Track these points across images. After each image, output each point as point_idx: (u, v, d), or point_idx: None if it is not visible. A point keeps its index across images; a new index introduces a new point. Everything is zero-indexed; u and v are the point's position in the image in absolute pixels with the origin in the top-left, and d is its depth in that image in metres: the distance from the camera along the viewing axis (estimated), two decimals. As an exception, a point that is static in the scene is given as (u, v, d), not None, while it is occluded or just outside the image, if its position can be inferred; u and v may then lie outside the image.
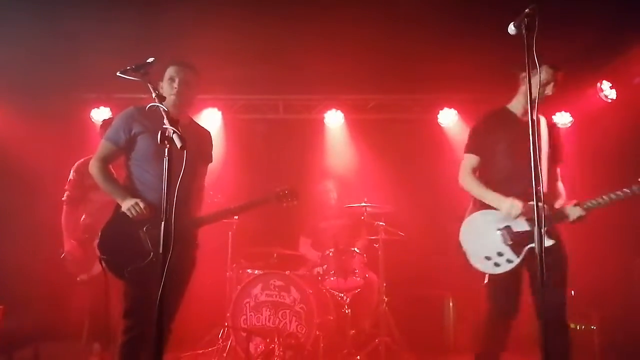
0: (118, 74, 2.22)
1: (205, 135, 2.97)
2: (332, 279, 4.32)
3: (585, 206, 2.75)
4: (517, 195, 2.75)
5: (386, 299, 4.38)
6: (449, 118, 5.56)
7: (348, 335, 4.19)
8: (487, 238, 2.83)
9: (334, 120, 5.67)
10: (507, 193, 2.78)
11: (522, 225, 2.78)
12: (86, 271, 3.70)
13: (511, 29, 2.19)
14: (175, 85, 2.71)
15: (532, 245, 2.67)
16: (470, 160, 2.99)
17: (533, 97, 2.72)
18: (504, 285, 2.83)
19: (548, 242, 2.67)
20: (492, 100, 5.39)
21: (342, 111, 5.67)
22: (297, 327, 4.05)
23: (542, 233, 2.09)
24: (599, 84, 5.01)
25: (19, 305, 4.06)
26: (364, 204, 4.48)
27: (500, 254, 2.80)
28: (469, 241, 2.91)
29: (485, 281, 2.87)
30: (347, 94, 5.64)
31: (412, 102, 5.70)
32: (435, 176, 5.34)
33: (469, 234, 2.92)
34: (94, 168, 2.71)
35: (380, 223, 4.51)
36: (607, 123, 4.79)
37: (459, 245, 2.91)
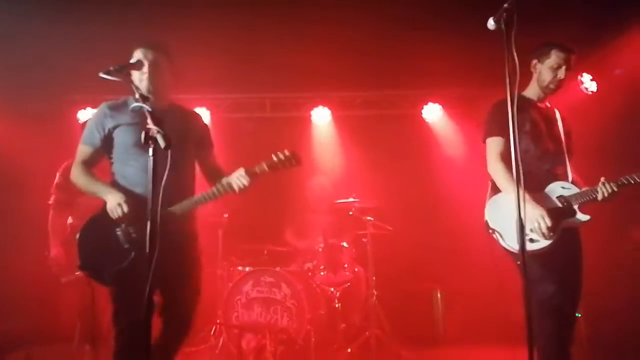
0: (101, 74, 2.20)
1: (192, 117, 2.77)
2: (322, 274, 4.36)
3: (619, 182, 2.67)
4: (546, 173, 2.74)
5: (376, 292, 4.43)
6: (433, 113, 5.62)
7: (339, 329, 4.24)
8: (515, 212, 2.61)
9: (321, 117, 5.70)
10: (536, 171, 2.73)
11: (552, 203, 2.70)
12: (72, 272, 3.67)
13: (490, 24, 2.22)
14: (145, 70, 2.50)
15: (574, 219, 2.68)
16: (495, 144, 2.77)
17: (546, 84, 2.78)
18: (555, 262, 2.61)
19: (584, 217, 2.70)
20: (476, 95, 5.52)
21: (329, 108, 5.70)
22: (289, 322, 4.09)
23: (523, 217, 2.12)
24: (579, 77, 5.09)
25: (9, 308, 4.05)
26: (352, 200, 4.53)
27: (533, 231, 2.61)
28: (498, 220, 2.71)
29: (518, 262, 2.55)
30: (334, 90, 5.67)
31: (398, 97, 5.75)
32: (422, 170, 5.41)
33: (498, 213, 2.73)
34: (74, 173, 2.59)
35: (369, 218, 4.55)
36: (588, 115, 4.86)
37: (487, 228, 2.74)
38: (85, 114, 5.27)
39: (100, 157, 2.63)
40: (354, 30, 4.40)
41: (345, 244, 4.49)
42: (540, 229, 2.56)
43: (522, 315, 2.31)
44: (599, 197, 2.65)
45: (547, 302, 2.61)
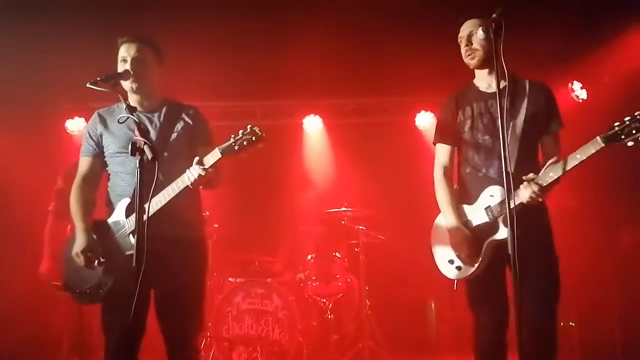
0: (88, 85, 2.17)
1: (188, 114, 2.55)
2: (314, 284, 4.32)
3: (539, 181, 2.20)
4: (482, 178, 2.43)
5: (368, 302, 4.39)
6: (425, 121, 5.62)
7: (331, 340, 4.20)
8: (447, 239, 2.48)
9: (313, 125, 5.68)
10: (474, 177, 2.48)
11: (481, 217, 2.41)
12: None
13: (480, 33, 2.22)
14: (128, 66, 2.39)
15: (492, 238, 2.34)
16: (438, 152, 2.62)
17: (467, 61, 2.36)
18: (483, 290, 2.45)
19: (503, 234, 2.30)
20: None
21: (320, 116, 5.68)
22: (280, 334, 4.03)
23: (514, 220, 1.92)
24: (570, 85, 5.13)
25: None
26: (344, 209, 4.50)
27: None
28: (434, 245, 2.60)
29: (454, 288, 2.51)
30: (325, 98, 5.65)
31: (389, 105, 5.74)
32: (415, 179, 5.38)
33: (435, 237, 2.61)
34: (72, 192, 2.49)
35: (361, 227, 4.52)
36: (579, 122, 4.89)
37: (430, 252, 2.62)
38: (73, 124, 5.21)
39: (99, 167, 2.54)
40: (344, 38, 4.40)
41: (337, 254, 4.45)
42: (459, 257, 2.40)
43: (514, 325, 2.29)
44: (523, 199, 2.22)
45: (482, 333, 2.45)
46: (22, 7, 3.71)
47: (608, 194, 4.59)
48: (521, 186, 2.22)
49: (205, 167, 2.22)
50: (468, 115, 2.51)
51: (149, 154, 1.98)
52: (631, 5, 3.88)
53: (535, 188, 2.19)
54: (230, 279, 4.37)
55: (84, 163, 2.55)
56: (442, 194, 2.57)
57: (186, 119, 2.53)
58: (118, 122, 2.44)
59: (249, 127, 2.23)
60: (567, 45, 4.45)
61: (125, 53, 2.43)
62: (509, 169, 2.01)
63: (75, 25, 3.93)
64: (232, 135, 2.24)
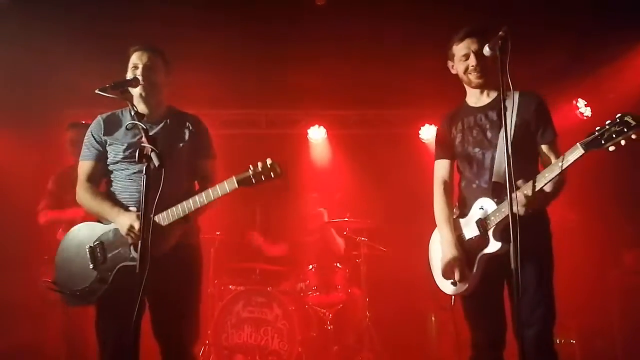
0: (97, 91, 2.19)
1: (191, 124, 2.56)
2: (314, 294, 4.30)
3: (525, 190, 2.15)
4: (475, 190, 2.41)
5: (369, 314, 4.36)
6: (429, 134, 5.64)
7: (331, 351, 4.17)
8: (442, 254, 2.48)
9: (317, 135, 5.70)
10: (468, 192, 2.49)
11: (472, 230, 2.38)
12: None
13: (486, 50, 2.23)
14: (139, 73, 2.43)
15: (483, 252, 2.31)
16: (437, 167, 2.64)
17: (466, 79, 2.38)
18: (478, 306, 2.41)
19: (494, 247, 2.28)
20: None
21: (325, 126, 5.71)
22: (279, 344, 4.01)
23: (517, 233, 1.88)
24: (574, 102, 5.15)
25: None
26: (347, 219, 4.50)
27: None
28: (432, 259, 2.59)
29: (452, 303, 2.49)
30: (330, 109, 5.68)
31: (393, 117, 5.77)
32: (417, 191, 5.37)
33: (432, 250, 2.60)
34: (78, 194, 2.48)
35: (363, 238, 4.52)
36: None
37: (428, 266, 2.60)
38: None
39: (102, 171, 2.52)
40: (350, 49, 4.43)
41: (338, 265, 4.44)
42: (452, 276, 2.38)
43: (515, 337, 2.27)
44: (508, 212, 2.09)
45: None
46: (26, 10, 3.73)
47: (614, 213, 4.59)
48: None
49: (220, 194, 2.29)
50: (459, 129, 2.55)
51: (155, 161, 1.99)
52: (637, 23, 3.90)
53: (521, 196, 2.14)
54: (230, 286, 4.36)
55: (86, 166, 2.51)
56: (439, 209, 2.58)
57: (190, 128, 2.55)
58: (126, 128, 2.46)
59: (268, 162, 2.26)
60: (572, 62, 4.48)
61: (137, 60, 2.47)
62: (512, 180, 1.99)
63: (81, 31, 3.95)
64: (251, 167, 2.26)
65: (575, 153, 2.07)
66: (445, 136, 2.63)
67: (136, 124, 2.14)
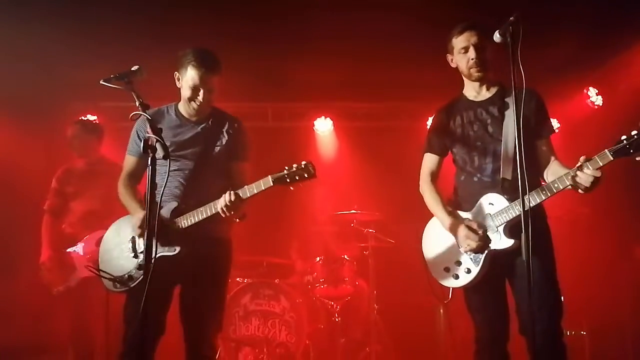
0: (101, 82, 2.20)
1: (230, 126, 2.65)
2: (322, 287, 4.29)
3: (543, 192, 2.20)
4: (478, 184, 2.42)
5: (377, 306, 4.35)
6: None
7: (338, 344, 4.17)
8: (445, 245, 2.47)
9: (324, 127, 5.66)
10: (469, 185, 2.48)
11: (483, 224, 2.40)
12: (62, 282, 3.61)
13: (496, 36, 2.19)
14: (200, 97, 2.52)
15: (493, 247, 2.32)
16: (425, 161, 2.67)
17: (467, 72, 2.39)
18: (481, 300, 2.41)
19: (507, 243, 2.29)
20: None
21: (331, 118, 5.67)
22: (287, 336, 4.01)
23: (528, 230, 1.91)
24: (585, 91, 5.09)
25: (1, 321, 3.97)
26: (354, 211, 4.47)
27: (458, 263, 2.41)
28: (428, 251, 2.57)
29: (449, 298, 2.50)
30: (336, 101, 5.64)
31: (400, 109, 5.72)
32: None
33: (428, 242, 2.58)
34: (119, 185, 2.63)
35: (370, 230, 4.49)
36: (594, 129, 4.85)
37: (422, 258, 2.58)
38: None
39: (143, 167, 2.60)
40: (356, 42, 4.38)
41: (346, 257, 4.42)
42: (471, 247, 2.33)
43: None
44: (516, 212, 2.23)
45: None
46: (32, 5, 3.73)
47: (626, 207, 4.55)
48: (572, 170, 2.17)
49: (255, 191, 2.36)
50: (458, 124, 2.56)
51: (160, 152, 1.98)
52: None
53: (588, 176, 2.13)
54: (238, 279, 4.35)
55: (130, 161, 2.65)
56: (432, 197, 2.58)
57: (230, 131, 2.64)
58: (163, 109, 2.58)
59: (303, 163, 2.35)
60: (583, 52, 4.40)
61: (199, 82, 2.52)
62: (524, 175, 2.01)
63: (89, 23, 3.95)
64: (286, 167, 2.34)
65: (603, 159, 2.12)
66: (442, 129, 2.62)
67: (142, 114, 2.13)
